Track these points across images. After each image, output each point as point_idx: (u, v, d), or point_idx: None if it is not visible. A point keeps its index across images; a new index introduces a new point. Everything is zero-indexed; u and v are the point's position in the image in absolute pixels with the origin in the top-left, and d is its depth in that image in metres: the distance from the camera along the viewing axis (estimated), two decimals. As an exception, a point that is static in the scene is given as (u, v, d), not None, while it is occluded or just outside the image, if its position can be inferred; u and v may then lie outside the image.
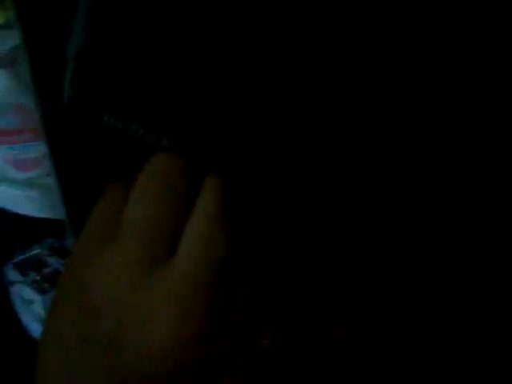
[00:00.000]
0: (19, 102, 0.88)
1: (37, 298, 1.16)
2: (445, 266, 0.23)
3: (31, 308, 1.20)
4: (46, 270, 1.23)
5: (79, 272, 0.23)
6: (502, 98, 0.20)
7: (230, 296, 0.21)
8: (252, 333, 0.26)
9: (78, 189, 0.82)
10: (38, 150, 0.92)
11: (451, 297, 0.25)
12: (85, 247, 0.24)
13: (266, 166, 0.22)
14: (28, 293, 1.19)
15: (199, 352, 0.21)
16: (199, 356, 0.21)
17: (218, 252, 0.21)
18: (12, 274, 1.25)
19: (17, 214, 1.37)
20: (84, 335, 0.22)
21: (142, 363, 0.21)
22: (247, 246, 0.22)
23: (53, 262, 1.28)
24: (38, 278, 1.20)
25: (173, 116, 0.22)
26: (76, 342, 0.22)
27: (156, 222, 0.22)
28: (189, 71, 0.21)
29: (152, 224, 0.22)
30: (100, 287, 0.21)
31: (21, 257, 1.32)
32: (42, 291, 1.17)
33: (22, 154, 0.93)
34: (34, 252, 1.32)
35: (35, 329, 1.18)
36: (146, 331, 0.20)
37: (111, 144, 0.26)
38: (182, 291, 0.20)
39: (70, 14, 0.71)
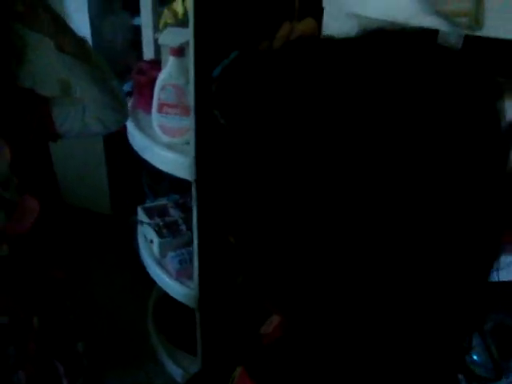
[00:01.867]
0: (179, 84, 1.11)
1: (156, 239, 1.40)
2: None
3: (150, 247, 1.45)
4: (168, 219, 1.48)
5: None
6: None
7: None
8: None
9: (210, 158, 1.02)
10: (184, 122, 1.14)
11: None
12: None
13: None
14: (151, 234, 1.44)
15: None
16: None
17: None
18: (142, 215, 1.51)
19: (153, 168, 1.66)
20: None
21: None
22: None
23: (174, 213, 1.54)
24: (161, 223, 1.45)
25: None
26: None
27: None
28: None
29: None
30: None
31: (150, 203, 1.60)
32: (161, 235, 1.41)
33: (172, 123, 1.16)
34: (162, 202, 1.59)
35: (150, 264, 1.43)
36: None
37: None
38: None
39: (234, 25, 0.90)
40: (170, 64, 1.10)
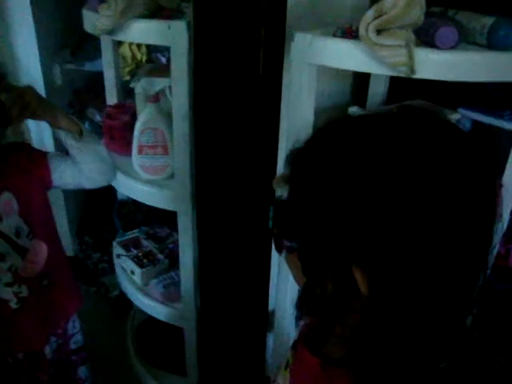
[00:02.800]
0: (157, 127, 1.24)
1: (138, 270, 1.50)
2: None
3: (132, 278, 1.54)
4: (144, 249, 1.58)
5: None
6: None
7: None
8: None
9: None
10: (163, 161, 1.28)
11: None
12: None
13: None
14: (130, 265, 1.54)
15: None
16: None
17: None
18: (119, 249, 1.60)
19: (123, 204, 1.75)
20: None
21: None
22: None
23: (147, 244, 1.64)
24: (140, 254, 1.55)
25: None
26: None
27: None
28: None
29: None
30: None
31: (124, 237, 1.68)
32: (141, 265, 1.51)
33: (151, 162, 1.29)
34: (134, 235, 1.68)
35: (132, 292, 1.52)
36: None
37: None
38: None
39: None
40: (147, 110, 1.24)
